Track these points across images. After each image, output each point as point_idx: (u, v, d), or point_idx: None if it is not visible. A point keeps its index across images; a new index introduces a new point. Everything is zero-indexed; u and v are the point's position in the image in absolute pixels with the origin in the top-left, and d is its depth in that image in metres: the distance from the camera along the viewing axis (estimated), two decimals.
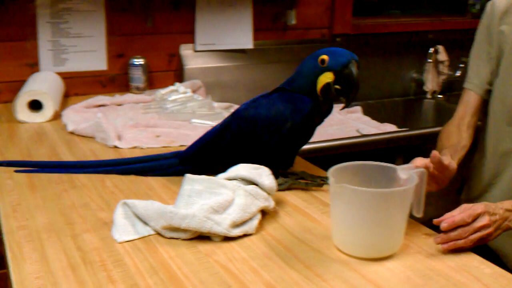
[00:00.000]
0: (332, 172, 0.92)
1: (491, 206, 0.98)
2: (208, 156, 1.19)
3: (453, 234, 0.90)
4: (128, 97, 1.89)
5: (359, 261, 0.88)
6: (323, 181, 1.17)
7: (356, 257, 0.89)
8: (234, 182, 1.01)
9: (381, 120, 2.05)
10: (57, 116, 1.67)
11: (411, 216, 0.96)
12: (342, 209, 0.90)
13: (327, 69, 1.06)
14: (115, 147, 1.41)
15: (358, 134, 1.85)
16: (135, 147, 1.42)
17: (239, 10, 2.21)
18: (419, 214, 0.96)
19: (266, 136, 1.12)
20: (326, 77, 1.06)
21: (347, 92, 1.06)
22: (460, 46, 2.60)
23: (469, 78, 1.44)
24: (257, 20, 2.24)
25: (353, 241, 0.91)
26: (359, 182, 0.90)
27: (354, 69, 1.05)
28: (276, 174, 1.09)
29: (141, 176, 1.23)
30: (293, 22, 2.31)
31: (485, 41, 1.39)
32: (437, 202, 1.95)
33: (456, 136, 1.35)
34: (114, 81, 2.06)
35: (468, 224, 0.90)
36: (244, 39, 2.25)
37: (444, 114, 2.51)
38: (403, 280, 0.83)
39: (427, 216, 1.03)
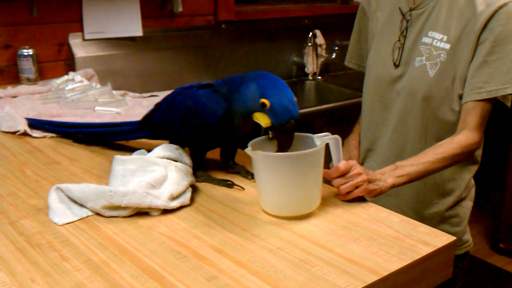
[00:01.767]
0: (253, 144, 1.02)
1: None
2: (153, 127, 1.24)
3: (335, 181, 1.06)
4: (22, 88, 1.84)
5: (288, 220, 0.99)
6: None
7: (280, 217, 1.00)
8: (164, 159, 1.07)
9: None
10: None
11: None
12: (262, 174, 1.00)
13: (265, 113, 1.03)
14: (25, 134, 1.41)
15: None
16: (44, 136, 1.41)
17: None
18: None
19: (176, 125, 1.15)
20: (263, 119, 1.04)
21: (280, 144, 1.03)
22: (334, 30, 2.81)
23: (350, 56, 1.63)
24: (144, 7, 2.27)
25: (275, 202, 1.01)
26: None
27: (289, 129, 1.01)
28: (196, 167, 1.16)
29: (106, 139, 1.36)
30: (180, 9, 2.36)
31: (363, 24, 1.56)
32: None
33: None
34: (3, 73, 1.99)
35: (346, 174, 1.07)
36: (133, 26, 2.27)
37: (324, 93, 2.71)
38: (328, 232, 0.95)
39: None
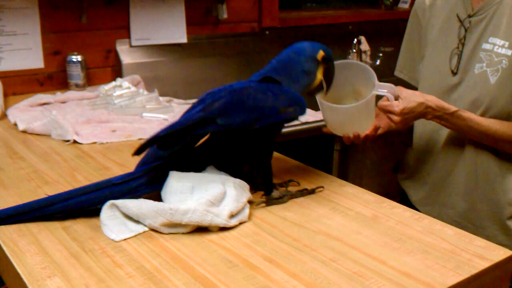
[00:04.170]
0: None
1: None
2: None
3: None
4: (71, 94, 1.88)
5: (340, 231, 0.97)
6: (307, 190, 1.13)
7: None
8: (221, 175, 1.06)
9: (315, 108, 2.16)
10: (2, 116, 1.65)
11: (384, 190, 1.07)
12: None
13: (321, 64, 1.12)
14: (75, 142, 1.43)
15: (297, 122, 1.95)
16: (94, 143, 1.43)
17: (172, 5, 2.25)
18: None
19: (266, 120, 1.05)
20: (320, 73, 1.13)
21: (330, 80, 1.15)
22: (378, 36, 2.78)
23: (401, 67, 1.59)
24: (189, 14, 2.29)
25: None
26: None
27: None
28: (269, 185, 1.09)
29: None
30: (225, 16, 2.37)
31: (415, 32, 1.53)
32: (373, 180, 2.10)
33: None
34: (52, 78, 2.04)
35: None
36: (178, 33, 2.29)
37: None
38: (381, 244, 0.93)
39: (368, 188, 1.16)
